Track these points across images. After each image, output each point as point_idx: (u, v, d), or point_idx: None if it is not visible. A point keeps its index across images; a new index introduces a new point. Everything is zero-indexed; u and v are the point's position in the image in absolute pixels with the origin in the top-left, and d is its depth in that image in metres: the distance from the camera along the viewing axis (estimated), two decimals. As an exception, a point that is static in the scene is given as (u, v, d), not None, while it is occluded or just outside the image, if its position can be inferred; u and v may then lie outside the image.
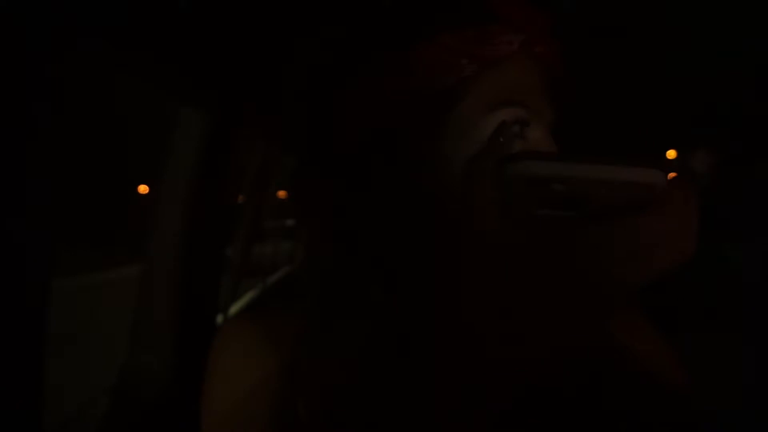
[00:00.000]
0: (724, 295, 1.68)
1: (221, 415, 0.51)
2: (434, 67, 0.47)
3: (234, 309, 1.72)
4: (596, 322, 0.35)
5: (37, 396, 0.53)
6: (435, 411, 0.34)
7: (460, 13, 0.48)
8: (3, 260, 0.47)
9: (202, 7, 0.67)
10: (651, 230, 0.33)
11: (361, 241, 0.43)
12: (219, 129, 0.91)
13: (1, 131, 0.46)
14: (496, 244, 0.35)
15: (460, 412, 0.34)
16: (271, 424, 0.43)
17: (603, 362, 0.49)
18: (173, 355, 0.89)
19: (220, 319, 1.05)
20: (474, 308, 0.34)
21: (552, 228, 0.33)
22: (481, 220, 0.34)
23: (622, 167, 0.34)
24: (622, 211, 0.34)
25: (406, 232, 0.46)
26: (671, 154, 2.96)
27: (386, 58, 0.47)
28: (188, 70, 0.78)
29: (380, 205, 0.44)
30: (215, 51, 0.80)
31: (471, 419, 0.34)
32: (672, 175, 0.34)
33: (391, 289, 0.44)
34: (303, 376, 0.40)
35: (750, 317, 1.58)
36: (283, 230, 4.85)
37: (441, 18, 0.48)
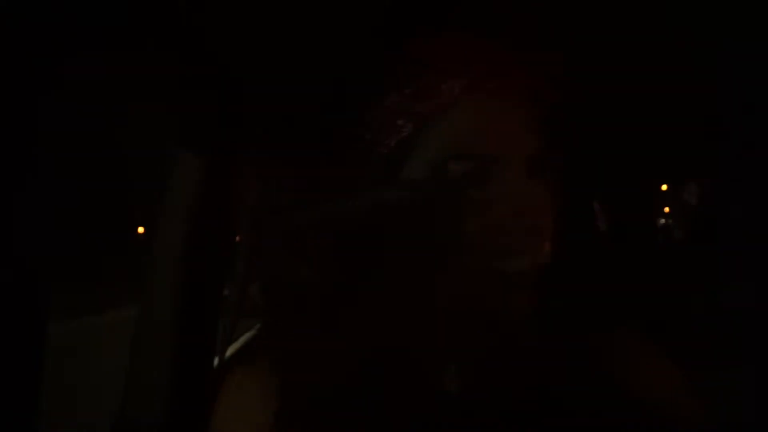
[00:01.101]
0: (724, 325, 1.67)
1: None
2: (378, 129, 0.47)
3: (230, 350, 1.69)
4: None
5: (33, 409, 0.52)
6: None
7: (401, 70, 0.48)
8: (3, 264, 0.47)
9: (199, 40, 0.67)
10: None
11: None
12: (216, 170, 0.92)
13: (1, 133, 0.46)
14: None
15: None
16: None
17: (606, 383, 0.49)
18: (169, 397, 0.87)
19: (215, 362, 1.04)
20: None
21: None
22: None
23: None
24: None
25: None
26: (662, 188, 2.99)
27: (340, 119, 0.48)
28: (189, 94, 0.79)
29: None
30: (213, 88, 0.81)
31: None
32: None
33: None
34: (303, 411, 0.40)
35: (750, 347, 1.57)
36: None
37: (386, 79, 0.48)
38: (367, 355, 0.37)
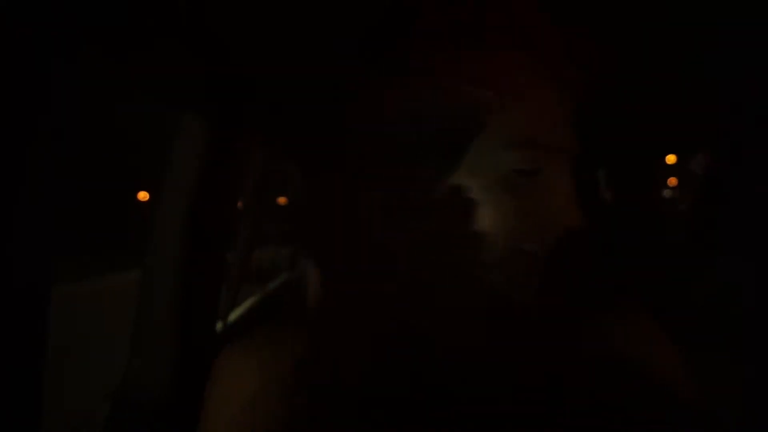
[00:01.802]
0: (722, 309, 1.67)
1: (220, 423, 0.51)
2: (457, 94, 0.46)
3: (234, 316, 1.71)
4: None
5: (37, 403, 0.52)
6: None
7: (489, 38, 0.46)
8: (2, 263, 0.47)
9: (202, 12, 0.67)
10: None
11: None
12: (219, 135, 0.91)
13: (1, 133, 0.46)
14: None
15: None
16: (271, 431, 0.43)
17: (609, 367, 0.49)
18: (173, 362, 0.88)
19: (219, 326, 1.05)
20: None
21: None
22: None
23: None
24: None
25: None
26: (671, 158, 2.97)
27: (411, 78, 0.46)
28: (189, 73, 0.78)
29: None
30: (216, 56, 0.80)
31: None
32: None
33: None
34: (309, 380, 0.40)
35: (749, 331, 1.58)
36: (283, 236, 4.84)
37: (469, 40, 0.46)
38: (392, 339, 0.36)
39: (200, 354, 0.91)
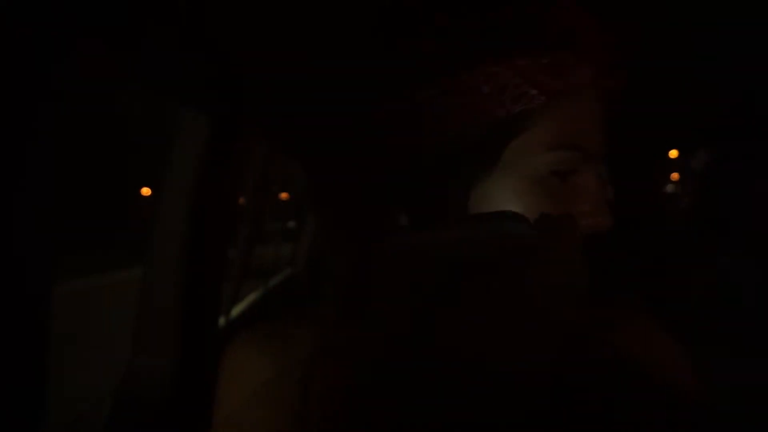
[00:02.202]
0: (724, 306, 1.67)
1: (230, 413, 0.51)
2: (502, 91, 0.45)
3: (236, 311, 1.72)
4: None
5: (41, 398, 0.53)
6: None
7: (537, 36, 0.46)
8: (4, 263, 0.47)
9: (202, 8, 0.67)
10: (535, 283, 0.34)
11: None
12: (221, 131, 0.91)
13: (2, 132, 0.46)
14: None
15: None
16: (280, 422, 0.43)
17: (613, 367, 0.49)
18: (176, 357, 0.89)
19: (222, 321, 1.05)
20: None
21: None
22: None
23: (483, 225, 0.36)
24: (497, 268, 0.34)
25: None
26: (673, 154, 2.96)
27: (455, 75, 0.46)
28: (190, 71, 0.78)
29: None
30: (217, 52, 0.80)
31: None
32: (553, 226, 0.35)
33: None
34: (317, 374, 0.39)
35: (750, 329, 1.58)
36: (285, 232, 4.85)
37: (516, 39, 0.46)
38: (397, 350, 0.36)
39: (202, 349, 0.91)
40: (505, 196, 0.46)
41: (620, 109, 0.51)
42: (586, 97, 0.47)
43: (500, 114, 0.45)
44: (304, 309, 0.52)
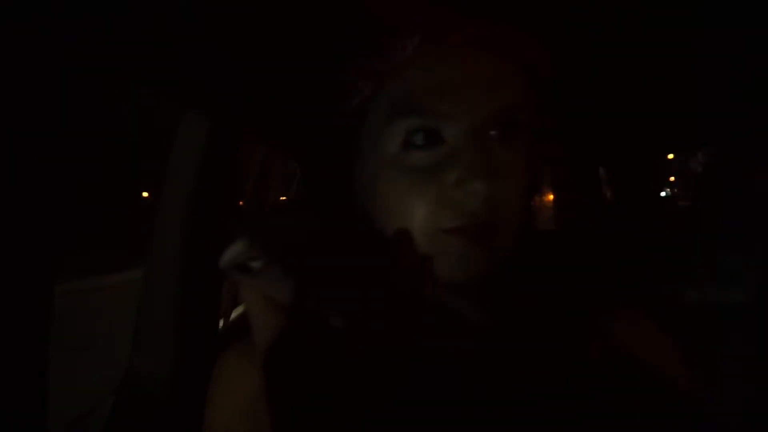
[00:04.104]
0: (726, 306, 1.68)
1: (222, 425, 0.51)
2: (343, 90, 0.47)
3: (235, 314, 1.71)
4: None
5: (40, 400, 0.53)
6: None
7: (356, 33, 0.47)
8: (4, 263, 0.48)
9: (202, 9, 0.67)
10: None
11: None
12: (220, 134, 0.92)
13: (1, 134, 0.46)
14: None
15: None
16: None
17: (611, 366, 0.49)
18: (175, 360, 0.89)
19: (222, 324, 1.05)
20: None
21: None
22: None
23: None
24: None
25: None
26: (669, 157, 2.97)
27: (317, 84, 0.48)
28: (189, 72, 0.79)
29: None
30: (216, 54, 0.80)
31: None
32: None
33: None
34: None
35: (752, 327, 1.58)
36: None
37: (344, 43, 0.47)
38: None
39: (202, 352, 0.91)
40: (367, 178, 0.47)
41: (594, 104, 0.51)
42: (422, 66, 0.46)
43: (347, 108, 0.47)
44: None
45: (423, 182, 0.45)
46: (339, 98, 0.50)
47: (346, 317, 0.30)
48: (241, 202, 1.06)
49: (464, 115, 0.46)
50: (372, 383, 0.30)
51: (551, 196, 2.29)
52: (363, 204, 0.50)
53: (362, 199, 0.50)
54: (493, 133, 0.46)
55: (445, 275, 0.45)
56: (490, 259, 0.46)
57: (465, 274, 0.45)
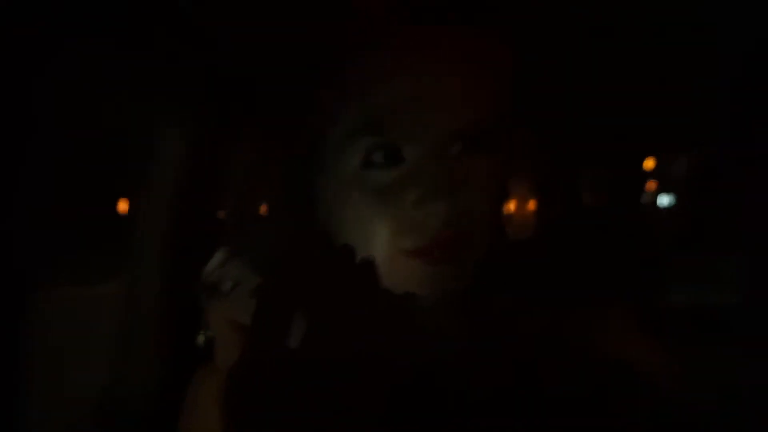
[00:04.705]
0: (719, 306, 1.69)
1: None
2: (306, 103, 0.46)
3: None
4: None
5: (16, 409, 0.51)
6: None
7: (321, 48, 0.46)
8: None
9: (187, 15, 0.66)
10: None
11: None
12: (201, 143, 0.91)
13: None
14: None
15: None
16: None
17: (597, 368, 0.49)
18: (158, 369, 0.88)
19: (201, 338, 1.04)
20: None
21: None
22: None
23: None
24: None
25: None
26: (649, 163, 3.00)
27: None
28: (172, 77, 0.78)
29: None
30: (199, 63, 0.79)
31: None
32: None
33: None
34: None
35: (748, 328, 1.60)
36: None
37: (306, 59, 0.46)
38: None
39: (184, 364, 0.90)
40: (328, 198, 0.46)
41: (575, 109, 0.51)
42: (378, 82, 0.45)
43: (308, 123, 0.46)
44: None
45: (383, 203, 0.44)
46: (301, 113, 0.48)
47: (313, 339, 0.30)
48: (222, 213, 1.05)
49: (424, 133, 0.45)
50: (341, 405, 0.29)
51: (533, 203, 2.30)
52: (325, 224, 0.49)
53: (325, 218, 0.49)
54: (455, 149, 0.46)
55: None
56: (458, 276, 0.46)
57: (432, 294, 0.45)
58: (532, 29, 0.57)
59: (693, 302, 1.72)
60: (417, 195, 0.44)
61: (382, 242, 0.44)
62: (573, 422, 0.45)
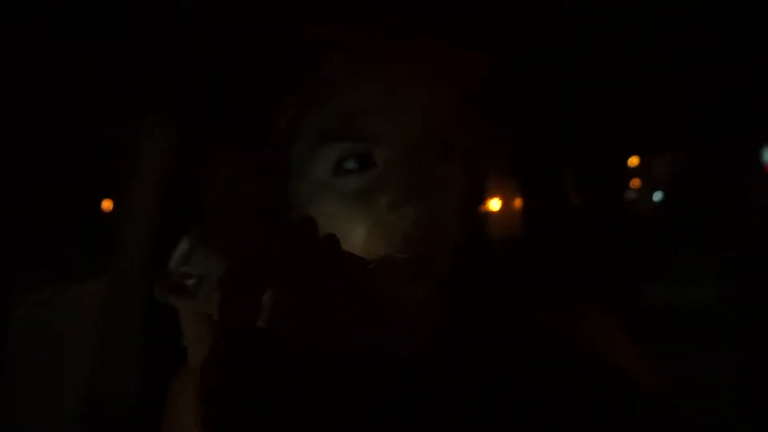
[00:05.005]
0: (704, 305, 1.71)
1: None
2: (271, 110, 0.45)
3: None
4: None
5: None
6: None
7: (285, 52, 0.45)
8: None
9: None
10: None
11: None
12: (184, 147, 0.90)
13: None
14: None
15: None
16: None
17: (574, 367, 0.50)
18: (139, 374, 0.87)
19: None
20: None
21: None
22: None
23: None
24: None
25: None
26: (633, 161, 3.02)
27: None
28: (153, 79, 0.77)
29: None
30: (181, 66, 0.79)
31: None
32: None
33: None
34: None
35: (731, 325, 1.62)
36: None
37: (269, 60, 0.46)
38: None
39: (167, 366, 0.89)
40: (300, 204, 0.46)
41: (561, 109, 0.51)
42: (350, 86, 0.45)
43: (274, 129, 0.45)
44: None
45: (355, 208, 0.44)
46: (266, 118, 0.47)
47: (282, 318, 0.29)
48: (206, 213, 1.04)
49: (396, 138, 0.45)
50: (317, 389, 0.29)
51: (518, 201, 2.31)
52: None
53: None
54: (426, 152, 0.45)
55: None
56: (433, 276, 0.45)
57: (408, 294, 0.45)
58: (513, 29, 0.57)
59: (676, 302, 1.74)
60: (389, 199, 0.44)
61: (356, 248, 0.44)
62: (552, 421, 0.45)
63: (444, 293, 0.49)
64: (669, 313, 1.74)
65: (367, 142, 0.44)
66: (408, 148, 0.45)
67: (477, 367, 0.47)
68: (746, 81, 1.31)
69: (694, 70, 1.19)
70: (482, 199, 0.54)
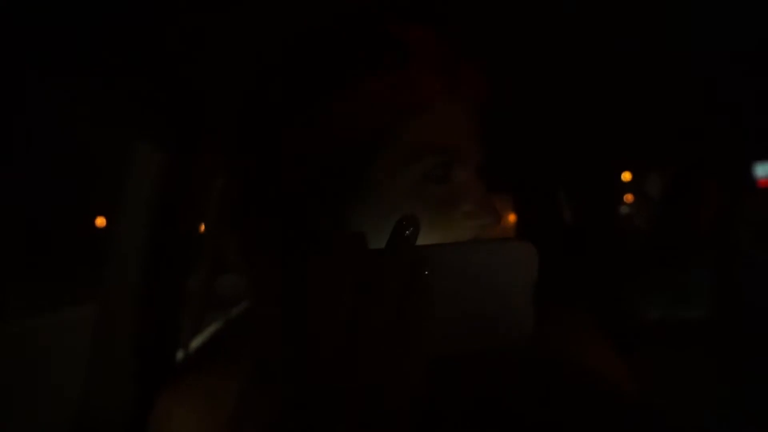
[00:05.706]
0: (696, 317, 1.72)
1: None
2: (353, 116, 0.45)
3: (196, 343, 1.67)
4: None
5: None
6: None
7: (379, 57, 0.46)
8: None
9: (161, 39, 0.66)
10: None
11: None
12: (177, 160, 0.90)
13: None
14: None
15: None
16: None
17: (555, 375, 0.50)
18: (131, 394, 0.86)
19: (181, 354, 1.02)
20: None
21: None
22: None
23: None
24: None
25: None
26: (626, 176, 3.05)
27: (311, 109, 0.46)
28: (143, 98, 0.77)
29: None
30: (172, 81, 0.79)
31: None
32: None
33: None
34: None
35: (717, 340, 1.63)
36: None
37: (360, 64, 0.46)
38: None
39: (160, 384, 0.88)
40: (383, 209, 0.46)
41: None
42: (442, 108, 0.47)
43: (355, 140, 0.46)
44: (236, 356, 0.51)
45: (436, 213, 0.47)
46: (344, 127, 0.47)
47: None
48: (201, 229, 1.04)
49: (471, 156, 0.50)
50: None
51: (512, 216, 2.33)
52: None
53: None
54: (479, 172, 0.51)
55: None
56: None
57: None
58: (511, 51, 0.58)
59: (664, 315, 1.75)
60: (468, 208, 0.48)
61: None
62: (537, 428, 0.46)
63: None
64: (659, 327, 1.75)
65: (452, 158, 0.48)
66: (478, 167, 0.51)
67: (462, 378, 0.47)
68: (738, 96, 1.33)
69: (687, 84, 1.21)
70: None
